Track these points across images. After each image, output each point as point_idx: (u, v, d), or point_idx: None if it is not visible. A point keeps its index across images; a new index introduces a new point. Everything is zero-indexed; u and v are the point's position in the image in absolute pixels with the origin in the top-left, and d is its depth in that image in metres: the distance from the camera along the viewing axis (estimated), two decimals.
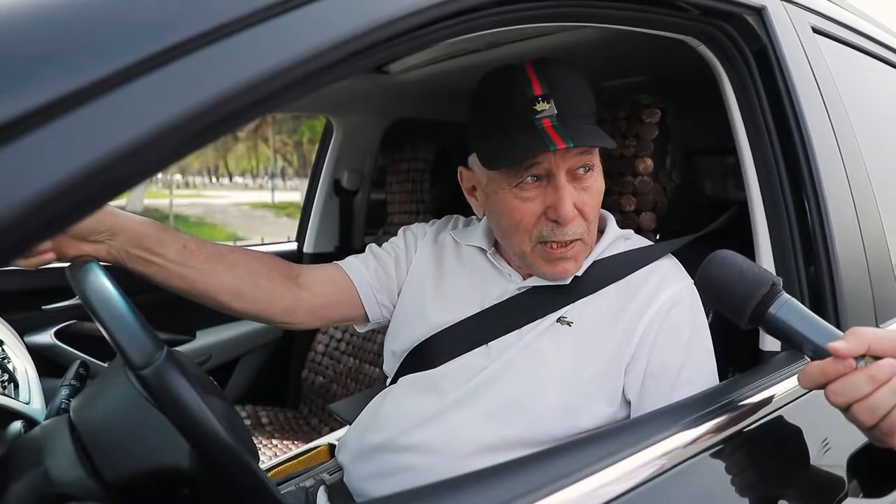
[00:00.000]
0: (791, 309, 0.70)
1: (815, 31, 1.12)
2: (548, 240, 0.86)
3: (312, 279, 0.99)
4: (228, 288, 0.89)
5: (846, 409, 0.64)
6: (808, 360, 0.69)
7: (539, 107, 0.83)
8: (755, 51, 0.96)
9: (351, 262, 1.05)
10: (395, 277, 1.06)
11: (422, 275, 1.05)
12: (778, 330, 0.71)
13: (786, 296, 0.71)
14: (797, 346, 0.70)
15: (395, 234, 1.12)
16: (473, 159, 0.95)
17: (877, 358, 0.63)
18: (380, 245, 1.11)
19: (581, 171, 0.86)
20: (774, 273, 0.88)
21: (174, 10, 0.44)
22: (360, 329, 1.09)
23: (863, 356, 0.63)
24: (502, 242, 0.96)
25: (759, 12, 0.96)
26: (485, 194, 0.94)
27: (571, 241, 0.87)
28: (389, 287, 1.05)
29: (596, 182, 0.89)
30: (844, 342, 0.64)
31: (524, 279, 0.97)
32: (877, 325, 1.01)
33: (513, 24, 0.70)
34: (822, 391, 0.65)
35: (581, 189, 0.87)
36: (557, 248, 0.87)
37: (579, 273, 0.93)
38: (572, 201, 0.84)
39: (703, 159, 2.03)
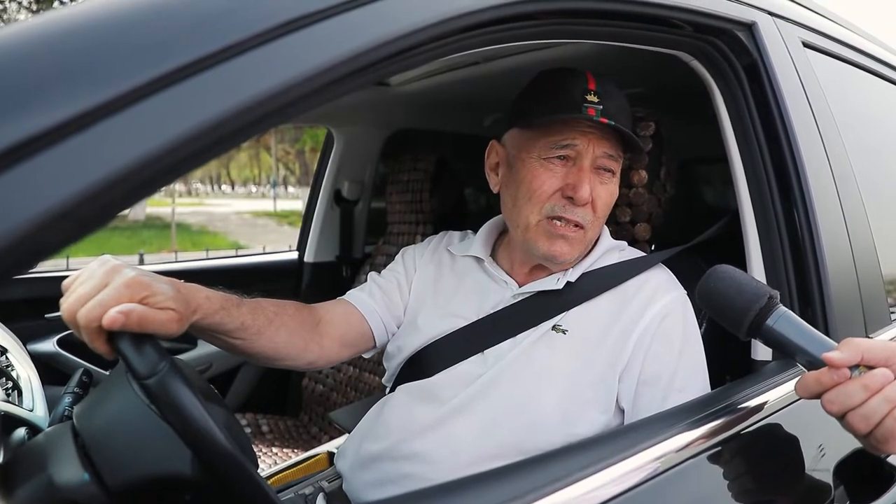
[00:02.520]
0: (787, 321, 0.72)
1: (806, 45, 1.13)
2: (556, 215, 0.91)
3: (329, 322, 1.01)
4: (267, 352, 0.91)
5: (841, 418, 0.65)
6: (804, 369, 0.70)
7: (590, 98, 0.90)
8: (746, 65, 0.98)
9: (360, 299, 1.07)
10: (401, 303, 1.08)
11: (422, 291, 1.07)
12: (775, 341, 0.72)
13: (782, 308, 0.73)
14: (793, 357, 0.71)
15: (395, 244, 1.14)
16: (509, 134, 1.00)
17: (870, 367, 0.65)
18: (377, 267, 1.13)
19: (603, 170, 0.93)
20: (766, 283, 0.89)
21: (180, 33, 0.46)
22: (367, 355, 1.11)
23: (857, 366, 0.65)
24: (511, 217, 0.97)
25: (750, 28, 0.98)
26: (509, 165, 0.98)
27: (576, 225, 0.91)
28: (397, 315, 1.08)
29: (612, 186, 0.95)
30: (839, 352, 0.66)
31: (520, 286, 0.98)
32: (866, 335, 1.02)
33: (511, 41, 0.72)
34: (814, 400, 0.67)
35: (599, 183, 0.93)
36: (562, 225, 0.91)
37: (572, 279, 0.95)
38: (590, 187, 0.90)
39: (700, 168, 2.05)
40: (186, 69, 0.44)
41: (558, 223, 0.91)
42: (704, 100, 1.03)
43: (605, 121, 0.88)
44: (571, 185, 0.90)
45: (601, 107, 0.89)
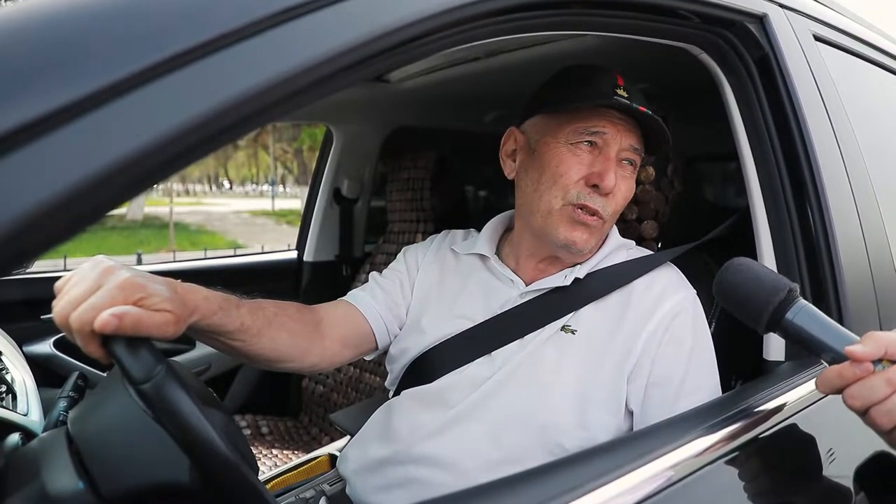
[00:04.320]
0: (808, 314, 0.70)
1: (817, 38, 1.11)
2: (580, 202, 0.90)
3: (330, 324, 0.99)
4: (268, 354, 0.88)
5: (864, 413, 0.63)
6: (825, 364, 0.68)
7: (620, 91, 0.90)
8: (757, 59, 0.96)
9: (362, 299, 1.04)
10: (403, 303, 1.06)
11: (426, 291, 1.05)
12: (795, 335, 0.70)
13: (802, 301, 0.71)
14: (814, 351, 0.69)
15: (396, 242, 1.11)
16: (532, 121, 0.98)
17: (894, 362, 0.63)
18: (378, 266, 1.11)
19: (626, 162, 0.93)
20: None
21: (172, 22, 0.43)
22: (368, 357, 1.08)
23: (880, 360, 0.63)
24: (530, 201, 0.95)
25: (761, 20, 0.96)
26: (530, 151, 0.96)
27: (596, 215, 0.91)
28: (399, 315, 1.06)
29: (631, 181, 0.95)
30: (862, 346, 0.64)
31: (527, 284, 0.96)
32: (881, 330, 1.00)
33: (514, 33, 0.70)
34: (831, 400, 0.65)
35: (621, 176, 0.92)
36: (584, 213, 0.90)
37: (580, 276, 0.93)
38: (615, 177, 0.90)
39: (707, 166, 2.03)
40: (179, 58, 0.42)
41: (580, 211, 0.90)
42: (712, 95, 1.01)
43: (644, 109, 0.88)
44: (598, 174, 0.89)
45: (629, 101, 0.89)
